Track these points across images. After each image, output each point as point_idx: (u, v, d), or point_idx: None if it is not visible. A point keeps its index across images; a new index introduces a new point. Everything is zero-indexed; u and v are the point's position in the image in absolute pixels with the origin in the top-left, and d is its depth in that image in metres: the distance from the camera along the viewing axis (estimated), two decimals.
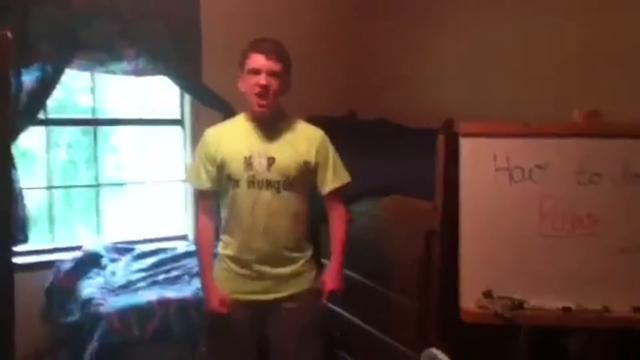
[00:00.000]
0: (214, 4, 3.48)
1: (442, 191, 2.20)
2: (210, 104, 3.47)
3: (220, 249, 2.23)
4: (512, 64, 2.87)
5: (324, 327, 2.29)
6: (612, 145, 1.99)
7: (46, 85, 3.09)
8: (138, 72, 3.35)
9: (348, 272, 2.75)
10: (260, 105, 2.10)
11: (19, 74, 2.95)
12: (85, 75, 3.42)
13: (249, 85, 2.10)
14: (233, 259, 2.17)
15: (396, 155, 2.81)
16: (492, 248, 2.05)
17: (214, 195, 2.25)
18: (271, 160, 2.11)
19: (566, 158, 2.02)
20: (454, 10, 3.21)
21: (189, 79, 3.46)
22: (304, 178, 2.17)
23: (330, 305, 2.84)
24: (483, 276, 2.03)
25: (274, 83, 2.08)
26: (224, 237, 2.23)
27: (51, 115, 3.38)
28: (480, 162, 2.07)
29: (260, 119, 2.16)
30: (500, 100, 2.89)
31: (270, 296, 2.15)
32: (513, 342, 2.02)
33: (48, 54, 3.03)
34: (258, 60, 2.07)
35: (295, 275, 2.18)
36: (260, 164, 2.11)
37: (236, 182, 2.13)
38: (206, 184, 2.21)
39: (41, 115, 3.23)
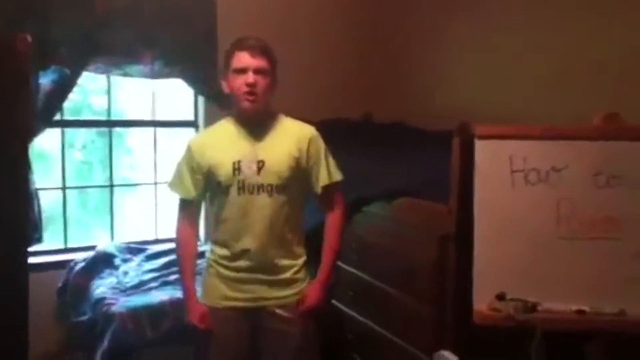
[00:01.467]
0: (231, 9, 3.51)
1: (457, 194, 2.18)
2: (224, 106, 3.48)
3: (210, 255, 2.17)
4: (530, 67, 2.86)
5: (320, 338, 2.21)
6: (631, 148, 1.96)
7: (63, 88, 3.14)
8: (154, 75, 3.38)
9: (360, 274, 2.76)
10: (249, 101, 2.01)
11: (36, 76, 2.99)
12: (101, 77, 3.45)
13: (235, 85, 2.01)
14: (223, 265, 2.10)
15: (412, 157, 2.80)
16: (506, 250, 2.03)
17: (198, 204, 2.19)
18: (260, 164, 2.04)
19: (584, 160, 1.99)
20: (471, 12, 3.20)
21: (204, 83, 3.48)
22: (296, 179, 2.10)
23: (343, 307, 2.85)
24: (497, 278, 2.01)
25: (261, 81, 2.00)
26: (214, 245, 2.15)
27: (67, 117, 3.41)
28: (496, 164, 2.05)
29: (248, 121, 2.08)
30: (519, 102, 2.88)
31: (261, 303, 2.08)
32: (527, 346, 1.99)
33: (66, 58, 3.08)
34: (243, 58, 1.99)
35: (289, 282, 2.11)
36: (249, 168, 2.04)
37: (226, 188, 2.06)
38: (192, 193, 2.14)
39: (57, 117, 3.27)
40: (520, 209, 2.04)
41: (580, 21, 2.63)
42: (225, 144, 2.09)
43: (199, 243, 2.34)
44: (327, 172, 2.14)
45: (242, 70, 1.99)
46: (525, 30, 2.88)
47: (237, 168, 2.04)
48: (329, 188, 2.17)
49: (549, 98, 2.75)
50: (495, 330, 1.97)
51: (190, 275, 2.18)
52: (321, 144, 2.16)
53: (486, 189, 2.06)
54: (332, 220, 2.19)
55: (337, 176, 2.18)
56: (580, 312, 1.94)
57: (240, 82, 1.99)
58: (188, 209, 2.19)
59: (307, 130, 2.15)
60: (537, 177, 2.04)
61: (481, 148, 2.08)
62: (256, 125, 2.09)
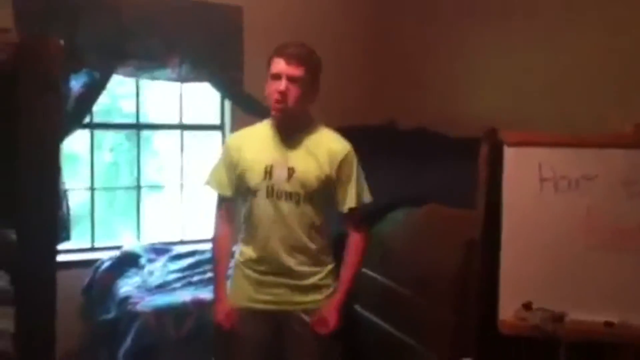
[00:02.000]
0: (257, 12, 3.54)
1: (484, 200, 2.16)
2: (250, 110, 3.51)
3: (238, 256, 2.16)
4: (553, 72, 2.82)
5: (342, 340, 2.17)
6: None
7: (93, 91, 3.20)
8: (181, 79, 3.43)
9: (385, 280, 2.74)
10: (275, 110, 2.01)
11: (67, 80, 3.05)
12: (130, 81, 3.50)
13: (269, 90, 2.01)
14: (249, 266, 2.10)
15: (435, 164, 2.79)
16: (534, 259, 2.01)
17: (234, 202, 2.18)
18: (291, 171, 2.03)
19: (614, 169, 1.97)
20: (494, 17, 3.18)
21: (231, 86, 3.52)
22: (324, 192, 2.06)
23: (366, 313, 2.84)
24: (524, 287, 1.99)
25: (293, 89, 1.97)
26: (242, 246, 2.15)
27: (96, 120, 3.47)
28: (525, 171, 2.04)
29: (283, 127, 2.07)
30: (541, 109, 2.84)
31: (286, 307, 2.07)
32: (551, 357, 1.96)
33: (96, 62, 3.14)
34: (279, 65, 1.98)
35: (314, 288, 2.08)
36: (280, 174, 2.02)
37: (255, 191, 2.05)
38: (227, 191, 2.14)
39: (87, 119, 3.33)
40: (549, 217, 2.02)
41: (604, 26, 2.59)
42: (260, 146, 2.09)
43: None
44: (355, 194, 2.08)
45: (277, 76, 1.99)
46: (548, 35, 2.85)
47: (268, 172, 2.04)
48: (356, 210, 2.12)
49: (572, 104, 2.70)
50: (517, 338, 1.95)
51: (222, 275, 2.19)
52: (354, 163, 2.10)
53: (514, 196, 2.05)
54: (356, 241, 2.14)
55: (365, 199, 2.13)
56: (608, 324, 1.91)
57: (273, 88, 2.00)
58: (225, 206, 2.20)
59: (341, 146, 2.09)
60: (567, 185, 2.02)
61: (510, 155, 2.07)
62: (291, 132, 2.07)
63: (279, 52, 2.01)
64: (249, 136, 2.17)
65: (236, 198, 2.17)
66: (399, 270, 2.66)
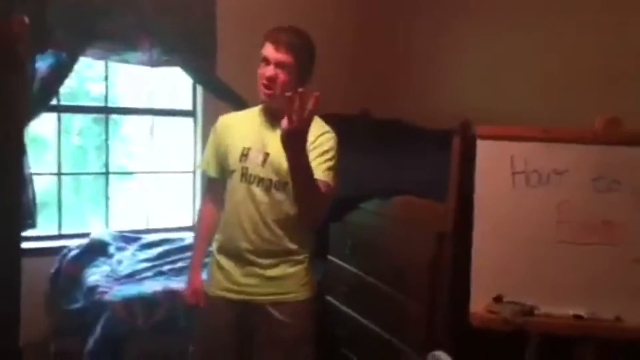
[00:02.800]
0: None
1: (456, 193, 2.17)
2: (222, 96, 3.46)
3: (214, 242, 2.15)
4: (531, 67, 2.85)
5: (316, 341, 2.13)
6: (632, 153, 1.96)
7: (60, 73, 3.10)
8: (152, 63, 3.34)
9: (355, 271, 2.75)
10: (265, 95, 1.99)
11: (33, 60, 2.95)
12: (99, 63, 3.41)
13: (258, 74, 2.00)
14: (222, 254, 2.09)
15: (410, 156, 2.79)
16: (505, 252, 2.02)
17: (220, 184, 2.14)
18: (266, 156, 2.01)
19: (585, 164, 1.99)
20: (473, 10, 3.18)
21: (203, 72, 3.46)
22: None
23: (337, 304, 2.84)
24: (495, 281, 2.01)
25: (281, 75, 1.95)
26: (217, 232, 2.13)
27: (63, 102, 3.38)
28: (497, 164, 2.04)
29: (269, 112, 2.04)
30: (518, 103, 2.86)
31: (254, 297, 2.02)
32: (523, 349, 1.99)
33: (64, 42, 3.04)
34: (268, 49, 1.97)
35: (283, 277, 2.03)
36: (255, 157, 2.01)
37: (231, 173, 2.05)
38: (213, 171, 2.16)
39: (53, 102, 3.24)
40: (521, 210, 2.03)
41: (584, 23, 2.62)
42: (244, 129, 2.08)
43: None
44: (319, 169, 1.92)
45: (266, 61, 1.98)
46: (527, 30, 2.87)
47: (244, 155, 2.03)
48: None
49: (550, 100, 2.73)
50: (489, 331, 1.97)
51: (199, 250, 2.23)
52: (328, 143, 2.00)
53: (486, 189, 2.06)
54: None
55: (328, 178, 1.95)
56: (577, 317, 1.94)
57: (261, 73, 1.99)
58: (212, 186, 2.23)
59: (319, 130, 2.00)
60: (538, 179, 2.03)
61: (483, 148, 2.07)
62: (276, 117, 1.97)
63: (269, 36, 2.00)
64: (238, 118, 2.17)
65: (222, 180, 2.14)
66: (371, 262, 2.67)
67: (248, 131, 2.07)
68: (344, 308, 2.83)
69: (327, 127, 2.07)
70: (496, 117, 2.74)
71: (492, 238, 2.04)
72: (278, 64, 1.96)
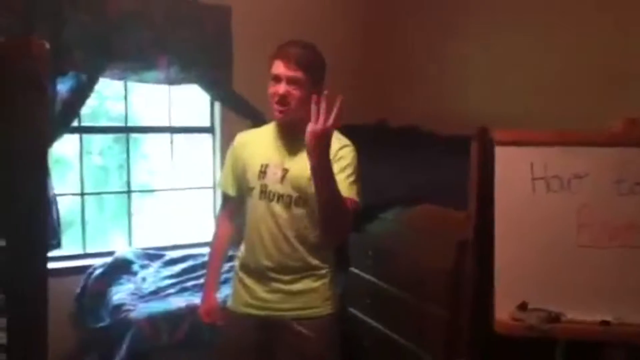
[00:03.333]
0: (246, 13, 3.51)
1: (476, 200, 2.16)
2: (240, 112, 3.50)
3: (236, 259, 2.15)
4: (544, 70, 2.83)
5: (341, 355, 2.13)
6: None
7: (80, 94, 3.16)
8: (170, 81, 3.39)
9: (377, 281, 2.74)
10: (278, 112, 1.96)
11: (54, 83, 3.01)
12: (118, 83, 3.47)
13: (270, 92, 1.97)
14: (244, 271, 2.09)
15: (427, 163, 2.78)
16: (527, 259, 2.00)
17: (237, 202, 2.15)
18: (285, 172, 1.99)
19: (605, 167, 1.97)
20: (485, 15, 3.18)
21: (220, 87, 3.49)
22: None
23: (360, 315, 2.84)
24: (518, 288, 1.99)
25: (294, 92, 1.93)
26: (241, 247, 2.13)
27: (84, 123, 3.44)
28: (516, 171, 2.03)
29: (285, 128, 2.03)
30: (532, 106, 2.84)
31: (277, 313, 2.02)
32: (547, 357, 1.97)
33: (82, 63, 3.09)
34: (278, 67, 1.94)
35: (306, 292, 2.02)
36: (274, 174, 1.99)
37: (250, 191, 2.04)
38: (230, 189, 2.15)
39: (75, 123, 3.29)
40: (542, 216, 2.02)
41: (595, 23, 2.60)
42: (261, 145, 2.07)
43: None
44: (343, 185, 1.90)
45: (277, 79, 1.95)
46: (539, 33, 2.85)
47: (263, 172, 2.01)
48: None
49: (564, 102, 2.71)
50: (512, 339, 1.95)
51: (213, 269, 2.23)
52: (349, 158, 1.99)
53: (506, 195, 2.04)
54: None
55: (352, 194, 1.95)
56: (604, 322, 1.91)
57: (272, 91, 1.96)
58: (227, 205, 2.22)
59: (338, 144, 1.97)
60: (559, 184, 2.01)
61: (501, 154, 2.06)
62: (292, 134, 2.01)
63: (279, 53, 1.97)
64: (255, 135, 2.17)
65: (240, 198, 2.14)
66: (392, 272, 2.66)
67: (265, 148, 2.06)
68: (367, 319, 2.82)
69: (346, 141, 2.04)
70: (511, 120, 2.72)
71: (513, 245, 2.02)
72: (290, 81, 1.94)
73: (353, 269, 2.94)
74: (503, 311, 1.98)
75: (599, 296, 1.94)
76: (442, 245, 2.35)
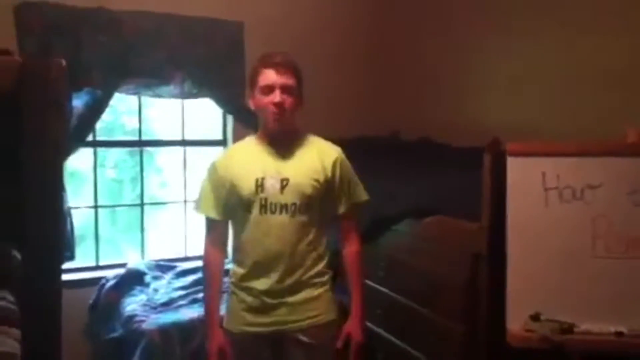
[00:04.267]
0: (257, 28, 3.56)
1: (489, 212, 2.15)
2: (252, 125, 3.51)
3: (232, 277, 2.09)
4: (558, 81, 2.82)
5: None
6: None
7: (95, 110, 3.21)
8: (183, 95, 3.44)
9: (389, 292, 2.72)
10: (276, 122, 1.95)
11: (70, 99, 3.06)
12: (133, 98, 3.52)
13: (262, 103, 1.95)
14: (243, 287, 2.03)
15: (440, 175, 2.78)
16: (540, 269, 1.99)
17: (223, 225, 2.10)
18: (285, 182, 1.97)
19: (619, 177, 1.95)
20: (498, 27, 3.18)
21: (232, 101, 3.53)
22: (320, 199, 2.02)
23: (372, 327, 2.82)
24: (531, 298, 1.97)
25: (288, 99, 1.94)
26: (235, 267, 2.08)
27: (99, 137, 3.49)
28: (529, 181, 2.03)
29: (274, 139, 2.01)
30: (546, 118, 2.84)
31: (284, 327, 2.00)
32: None
33: (98, 80, 3.15)
34: (270, 76, 1.93)
35: (309, 300, 2.02)
36: (272, 186, 1.96)
37: (247, 207, 1.98)
38: (215, 213, 2.06)
39: (89, 137, 3.34)
40: (555, 227, 2.01)
41: (614, 33, 2.59)
42: (249, 160, 2.02)
43: (226, 261, 2.25)
44: (351, 193, 2.10)
45: (269, 88, 1.94)
46: (553, 44, 2.85)
47: (259, 185, 1.97)
48: (353, 209, 2.12)
49: (579, 114, 2.70)
50: (528, 351, 1.93)
51: (213, 299, 2.12)
52: (347, 165, 2.11)
53: (519, 206, 2.04)
54: (354, 252, 2.13)
55: (362, 196, 2.13)
56: (618, 333, 1.89)
57: (267, 101, 1.94)
58: (213, 229, 2.11)
59: (332, 151, 2.08)
60: (571, 194, 2.01)
61: (513, 165, 2.06)
62: (282, 143, 2.02)
63: (267, 63, 1.97)
64: (236, 153, 2.12)
65: (226, 220, 2.09)
66: (405, 283, 2.65)
67: (255, 162, 2.01)
68: (380, 331, 2.80)
69: (335, 146, 2.12)
70: (525, 132, 2.72)
71: (527, 255, 2.01)
72: (284, 88, 1.94)
73: (366, 281, 2.93)
74: (516, 322, 1.97)
75: (613, 307, 1.92)
76: (456, 256, 2.34)
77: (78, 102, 3.14)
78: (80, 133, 3.19)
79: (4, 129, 2.10)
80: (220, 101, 3.53)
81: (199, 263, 3.40)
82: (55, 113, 2.20)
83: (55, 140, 2.23)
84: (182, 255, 3.71)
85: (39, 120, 2.13)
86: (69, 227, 3.13)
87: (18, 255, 2.16)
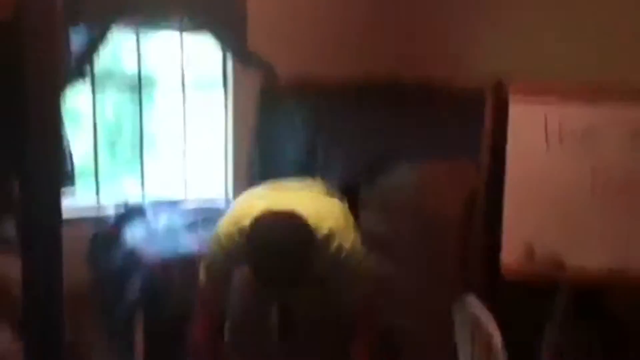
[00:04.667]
0: None
1: (489, 151, 2.17)
2: (252, 66, 3.51)
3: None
4: (571, 25, 2.77)
5: None
6: None
7: (93, 46, 3.16)
8: (183, 28, 3.44)
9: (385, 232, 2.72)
10: None
11: (67, 35, 3.02)
12: (131, 38, 3.47)
13: None
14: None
15: (440, 118, 2.77)
16: (537, 208, 2.03)
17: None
18: None
19: (622, 122, 1.98)
20: None
21: (234, 42, 3.48)
22: None
23: None
24: (526, 233, 2.02)
25: None
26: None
27: (97, 77, 3.44)
28: (531, 123, 2.05)
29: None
30: (557, 65, 2.77)
31: None
32: (554, 299, 2.00)
33: (95, 15, 3.09)
34: None
35: None
36: None
37: None
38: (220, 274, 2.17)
39: (87, 77, 3.31)
40: (555, 168, 2.04)
41: None
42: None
43: None
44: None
45: None
46: None
47: None
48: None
49: (589, 55, 2.65)
50: (522, 283, 1.98)
51: None
52: (349, 238, 2.02)
53: (520, 148, 2.06)
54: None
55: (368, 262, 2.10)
56: (609, 269, 1.94)
57: None
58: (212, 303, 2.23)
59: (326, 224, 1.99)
60: (572, 138, 2.02)
61: (516, 105, 2.07)
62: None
63: None
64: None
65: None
66: (402, 221, 2.67)
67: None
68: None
69: (329, 219, 1.99)
70: (532, 74, 2.66)
71: (525, 195, 2.05)
72: None
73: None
74: (510, 256, 2.01)
75: (607, 244, 1.97)
76: (454, 195, 2.37)
77: (74, 38, 3.09)
78: (77, 71, 3.15)
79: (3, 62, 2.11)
80: (221, 39, 3.48)
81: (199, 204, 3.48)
82: (53, 43, 2.20)
83: (54, 70, 2.23)
84: (181, 197, 3.71)
85: (39, 46, 2.13)
86: (68, 155, 3.13)
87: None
